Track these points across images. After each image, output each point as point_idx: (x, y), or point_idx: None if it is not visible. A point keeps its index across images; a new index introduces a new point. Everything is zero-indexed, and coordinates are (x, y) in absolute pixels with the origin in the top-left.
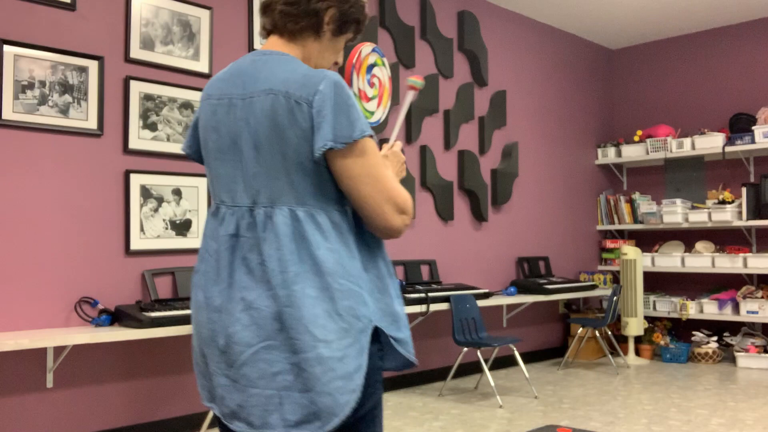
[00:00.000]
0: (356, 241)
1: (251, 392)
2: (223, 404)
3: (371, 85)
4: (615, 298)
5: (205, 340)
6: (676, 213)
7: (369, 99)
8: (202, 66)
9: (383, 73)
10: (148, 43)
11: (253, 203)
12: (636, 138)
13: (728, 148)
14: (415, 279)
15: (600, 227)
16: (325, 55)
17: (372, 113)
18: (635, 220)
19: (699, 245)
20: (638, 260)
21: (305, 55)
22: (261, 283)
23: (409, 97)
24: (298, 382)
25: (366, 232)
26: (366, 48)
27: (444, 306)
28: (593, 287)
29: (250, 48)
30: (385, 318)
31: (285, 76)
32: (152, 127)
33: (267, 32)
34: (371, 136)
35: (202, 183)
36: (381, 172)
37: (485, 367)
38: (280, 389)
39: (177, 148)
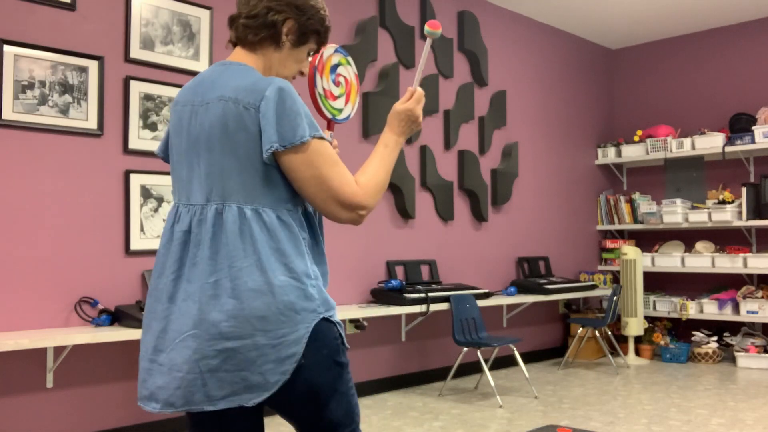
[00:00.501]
0: (308, 238)
1: (174, 375)
2: (144, 387)
3: (337, 84)
4: (615, 298)
5: (144, 327)
6: (676, 213)
7: (336, 97)
8: (202, 66)
9: (349, 72)
10: (148, 43)
11: (206, 201)
12: (636, 138)
13: (728, 148)
14: (415, 279)
15: (600, 227)
16: (287, 64)
17: (340, 110)
18: (635, 220)
19: (699, 245)
20: (638, 260)
21: (266, 65)
22: (204, 275)
23: (427, 45)
24: (228, 364)
25: (316, 231)
26: (328, 50)
27: (444, 306)
28: (593, 287)
29: None
30: (331, 308)
31: (236, 83)
32: (152, 127)
33: (233, 44)
34: (320, 138)
35: None
36: (325, 173)
37: (485, 367)
38: (202, 373)
39: None
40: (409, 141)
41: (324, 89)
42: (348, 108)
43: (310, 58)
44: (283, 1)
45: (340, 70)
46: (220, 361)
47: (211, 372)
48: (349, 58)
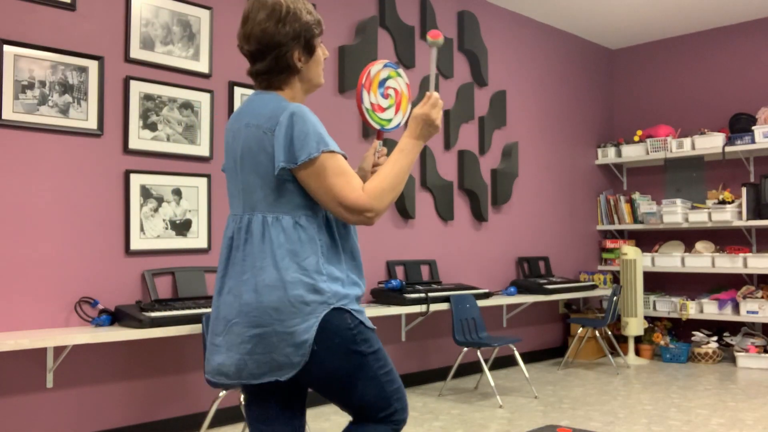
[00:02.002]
0: (326, 239)
1: (228, 354)
2: (209, 363)
3: (386, 96)
4: (615, 298)
5: (210, 316)
6: (676, 213)
7: (384, 109)
8: (202, 66)
9: (399, 83)
10: (148, 43)
11: (242, 212)
12: (636, 138)
13: (728, 148)
14: (415, 279)
15: (600, 227)
16: (312, 73)
17: (389, 120)
18: (635, 220)
19: (699, 245)
20: (638, 260)
21: (296, 88)
22: (238, 274)
23: (433, 54)
24: (259, 348)
25: (335, 233)
26: (375, 67)
27: (444, 306)
28: (593, 287)
29: None
30: (345, 298)
31: (260, 111)
32: (152, 127)
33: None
34: (329, 152)
35: (202, 183)
36: (331, 182)
37: (485, 367)
38: (244, 354)
39: (177, 148)
40: None
41: (371, 104)
42: (398, 117)
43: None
44: (284, 41)
45: (389, 83)
46: (252, 345)
47: (249, 354)
48: (400, 71)
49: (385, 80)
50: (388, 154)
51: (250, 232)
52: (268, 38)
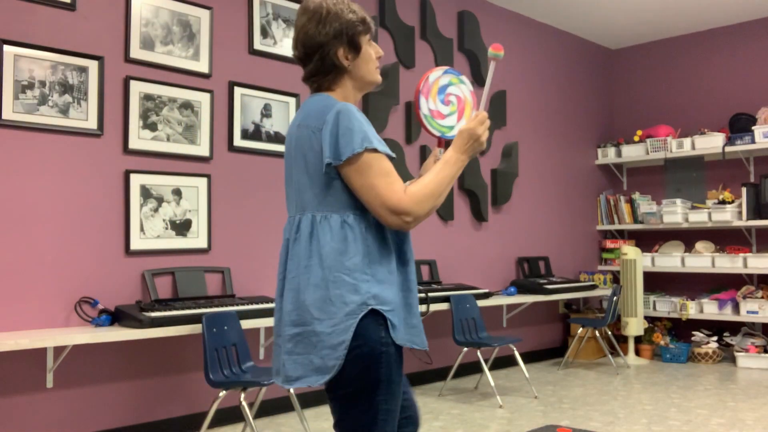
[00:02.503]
0: (374, 239)
1: (276, 354)
2: (273, 364)
3: (446, 103)
4: (615, 298)
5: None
6: (676, 213)
7: (445, 116)
8: (202, 66)
9: (462, 90)
10: (148, 43)
11: (295, 213)
12: (636, 138)
13: (728, 148)
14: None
15: (600, 227)
16: (362, 71)
17: (450, 127)
18: (635, 220)
19: (699, 245)
20: (638, 260)
21: (347, 87)
22: (290, 274)
23: (491, 67)
24: (299, 348)
25: (386, 235)
26: (434, 73)
27: (444, 306)
28: (593, 287)
29: (250, 48)
30: (387, 304)
31: (310, 111)
32: (152, 127)
33: None
34: (372, 150)
35: (202, 183)
36: (373, 182)
37: (485, 367)
38: (284, 354)
39: (177, 148)
40: (409, 141)
41: (430, 110)
42: (461, 124)
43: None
44: (326, 40)
45: (450, 89)
46: (293, 344)
47: (289, 354)
48: (462, 77)
49: (445, 87)
50: None
51: (300, 231)
52: (311, 40)
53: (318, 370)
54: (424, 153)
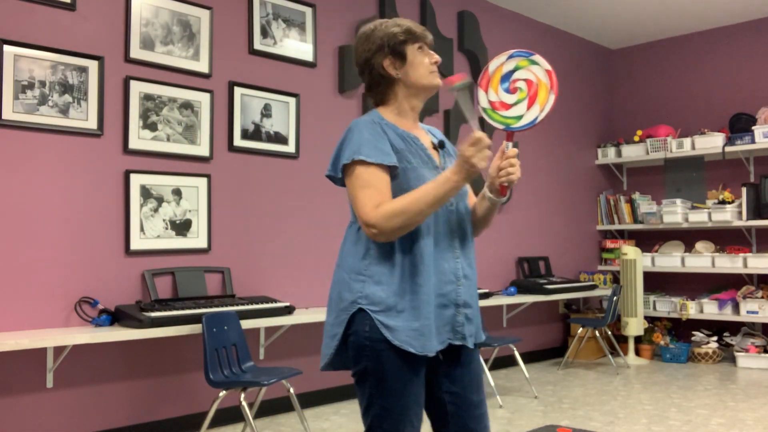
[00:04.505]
0: (378, 243)
1: None
2: None
3: (512, 91)
4: (615, 298)
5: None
6: (676, 213)
7: (510, 106)
8: (202, 66)
9: (534, 71)
10: (148, 43)
11: None
12: (636, 138)
13: (728, 148)
14: None
15: (600, 227)
16: (413, 76)
17: (518, 117)
18: (635, 220)
19: (699, 245)
20: (638, 260)
21: (400, 96)
22: None
23: (461, 99)
24: (323, 338)
25: (395, 242)
26: (495, 62)
27: None
28: (593, 287)
29: (250, 48)
30: (377, 305)
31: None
32: (152, 127)
33: None
34: (360, 161)
35: (202, 183)
36: (355, 193)
37: (485, 367)
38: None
39: (177, 148)
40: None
41: (490, 102)
42: (534, 111)
43: (424, 46)
44: (370, 54)
45: (517, 74)
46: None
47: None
48: (534, 57)
49: (510, 73)
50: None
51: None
52: (359, 57)
53: (323, 356)
54: None
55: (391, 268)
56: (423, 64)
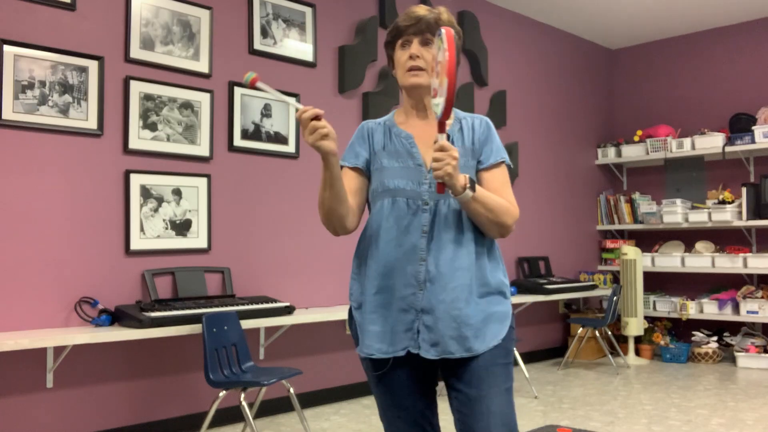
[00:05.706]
0: (363, 241)
1: None
2: None
3: (436, 75)
4: (615, 298)
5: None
6: (676, 213)
7: (437, 92)
8: (202, 66)
9: (440, 53)
10: (148, 43)
11: None
12: (636, 138)
13: (728, 148)
14: None
15: (600, 227)
16: (398, 76)
17: (437, 105)
18: (635, 220)
19: (699, 245)
20: (638, 260)
21: (405, 99)
22: None
23: (262, 89)
24: None
25: (368, 233)
26: (437, 42)
27: None
28: (593, 287)
29: (250, 48)
30: (353, 300)
31: None
32: (152, 127)
33: None
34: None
35: (201, 183)
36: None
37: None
38: None
39: (177, 148)
40: None
41: (433, 89)
42: (439, 96)
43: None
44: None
45: (439, 56)
46: None
47: None
48: (442, 34)
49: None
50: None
51: None
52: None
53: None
54: None
55: (364, 263)
56: (400, 65)
